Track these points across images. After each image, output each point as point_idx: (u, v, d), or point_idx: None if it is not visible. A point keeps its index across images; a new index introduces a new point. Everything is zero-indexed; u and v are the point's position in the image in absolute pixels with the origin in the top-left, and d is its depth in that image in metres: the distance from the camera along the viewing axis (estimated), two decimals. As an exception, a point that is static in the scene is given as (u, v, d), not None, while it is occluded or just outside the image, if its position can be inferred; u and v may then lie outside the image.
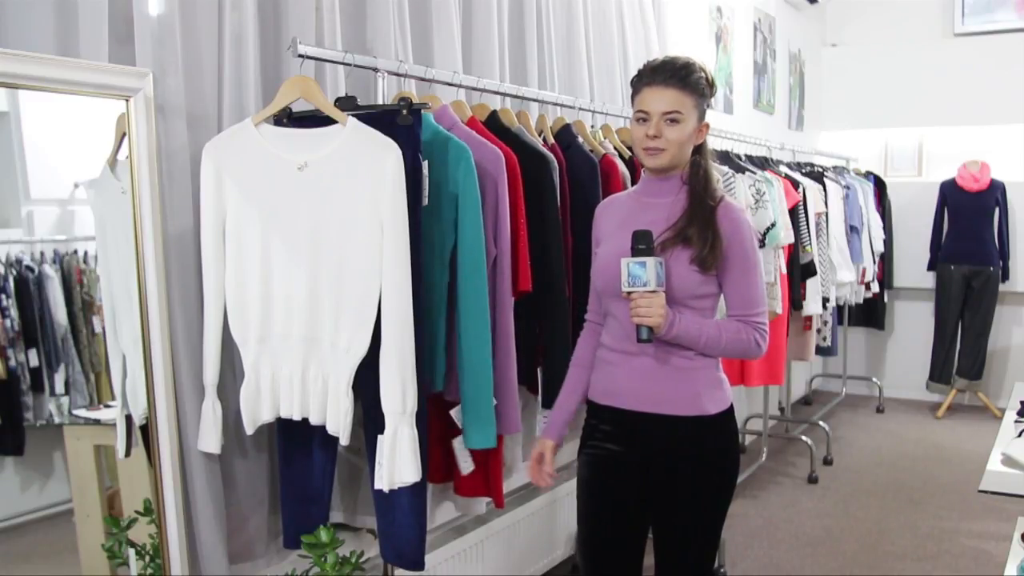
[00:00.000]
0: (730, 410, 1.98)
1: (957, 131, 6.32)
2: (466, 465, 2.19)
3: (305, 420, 1.95)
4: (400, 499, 1.96)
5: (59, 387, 1.84)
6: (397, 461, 1.85)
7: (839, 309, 5.68)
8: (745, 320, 1.92)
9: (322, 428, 1.94)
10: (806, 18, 6.39)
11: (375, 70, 2.13)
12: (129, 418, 1.92)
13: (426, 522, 2.04)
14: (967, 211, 5.92)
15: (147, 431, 1.90)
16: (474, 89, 2.46)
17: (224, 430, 1.97)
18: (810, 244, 4.16)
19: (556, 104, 2.80)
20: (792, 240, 3.94)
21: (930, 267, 6.13)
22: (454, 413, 2.17)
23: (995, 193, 5.88)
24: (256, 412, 1.95)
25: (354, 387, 1.90)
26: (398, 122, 1.92)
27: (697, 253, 1.86)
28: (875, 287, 5.63)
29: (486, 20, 2.83)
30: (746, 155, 4.13)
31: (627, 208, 2.01)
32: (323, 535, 1.95)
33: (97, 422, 1.92)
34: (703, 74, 1.91)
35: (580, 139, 2.67)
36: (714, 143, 3.86)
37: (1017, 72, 5.97)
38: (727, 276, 1.91)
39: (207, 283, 1.93)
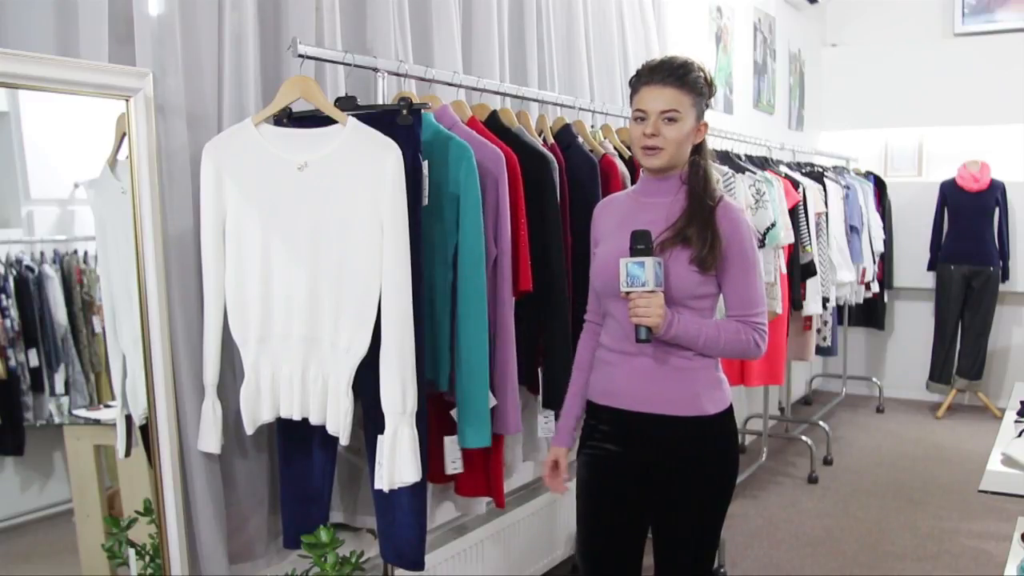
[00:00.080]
0: (729, 410, 1.98)
1: (957, 131, 6.32)
2: (454, 465, 2.19)
3: (305, 420, 1.95)
4: (400, 499, 1.96)
5: (59, 387, 1.84)
6: (397, 461, 1.85)
7: (839, 309, 5.68)
8: (744, 320, 1.92)
9: (322, 428, 1.94)
10: (806, 18, 6.39)
11: (375, 70, 2.13)
12: (129, 418, 1.92)
13: (426, 522, 2.04)
14: (967, 211, 5.92)
15: (147, 431, 1.90)
16: (474, 89, 2.46)
17: (224, 430, 1.97)
18: (810, 244, 4.16)
19: (556, 104, 2.80)
20: (792, 240, 3.94)
21: (930, 267, 6.13)
22: (455, 414, 2.17)
23: (995, 193, 5.88)
24: (256, 412, 1.95)
25: (354, 387, 1.90)
26: (398, 122, 1.92)
27: (696, 253, 1.86)
28: (875, 287, 5.63)
29: (486, 20, 2.83)
30: (746, 155, 4.13)
31: (626, 208, 2.01)
32: (323, 535, 1.96)
33: (97, 422, 1.92)
34: (701, 74, 1.91)
35: (580, 139, 2.67)
36: (714, 143, 3.86)
37: (1017, 72, 5.98)
38: (726, 276, 1.91)
39: (207, 283, 1.93)
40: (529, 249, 2.30)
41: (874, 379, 6.43)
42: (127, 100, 1.82)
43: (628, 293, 1.84)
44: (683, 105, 1.87)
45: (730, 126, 4.40)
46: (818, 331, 4.74)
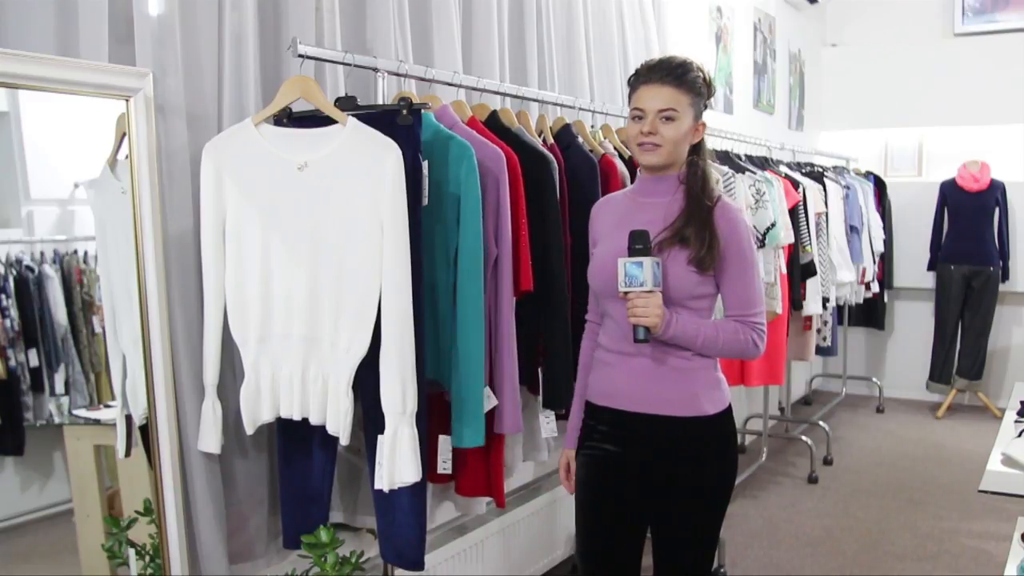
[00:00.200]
0: (728, 410, 1.98)
1: (957, 131, 6.32)
2: (444, 465, 2.19)
3: (305, 420, 1.95)
4: (400, 499, 1.96)
5: (59, 387, 1.84)
6: (397, 461, 1.85)
7: (839, 309, 5.68)
8: (743, 320, 1.92)
9: (322, 428, 1.94)
10: (806, 18, 6.39)
11: (375, 70, 2.13)
12: (129, 418, 1.92)
13: (426, 522, 2.04)
14: (967, 211, 5.92)
15: (147, 431, 1.90)
16: (474, 89, 2.46)
17: (224, 430, 1.97)
18: (810, 244, 4.16)
19: (556, 104, 2.80)
20: (792, 240, 3.94)
21: (930, 267, 6.13)
22: (455, 414, 2.17)
23: (995, 193, 5.88)
24: (256, 412, 1.95)
25: (354, 387, 1.90)
26: (398, 122, 1.92)
27: (694, 253, 1.86)
28: (875, 287, 5.63)
29: (486, 20, 2.83)
30: (746, 155, 4.13)
31: (623, 208, 2.01)
32: (323, 535, 1.96)
33: (97, 422, 1.92)
34: (700, 74, 1.91)
35: (580, 139, 2.67)
36: (714, 143, 3.86)
37: (1017, 72, 5.98)
38: (724, 276, 1.91)
39: (207, 283, 1.93)
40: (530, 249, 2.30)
41: (874, 379, 6.43)
42: (127, 100, 1.82)
43: (626, 293, 1.84)
44: (681, 104, 1.87)
45: (730, 126, 4.40)
46: (818, 331, 4.74)
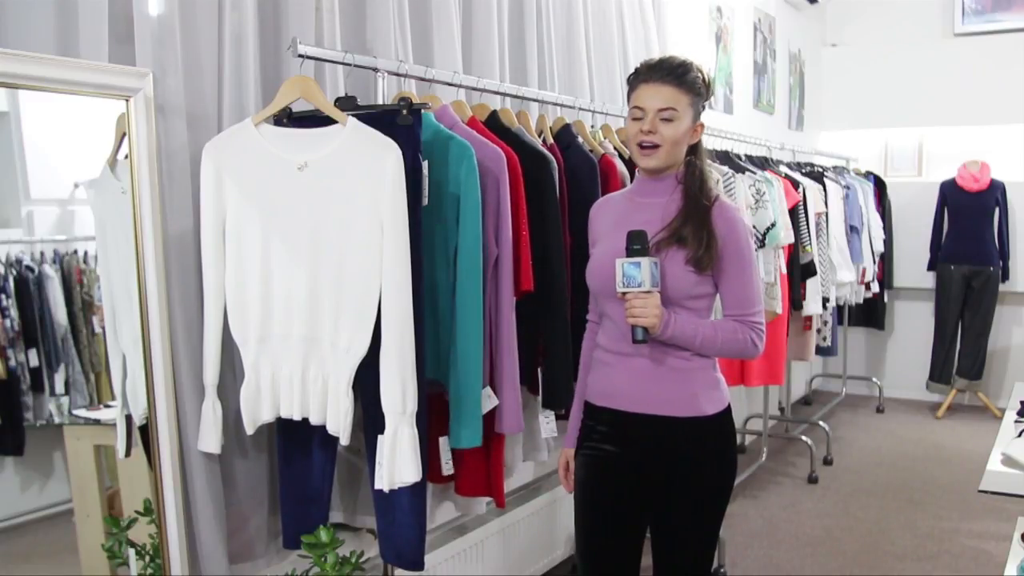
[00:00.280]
0: (727, 410, 1.98)
1: (957, 131, 6.32)
2: (447, 466, 2.19)
3: (305, 420, 1.95)
4: (400, 499, 1.96)
5: (59, 387, 1.84)
6: (397, 461, 1.86)
7: (839, 309, 5.68)
8: (741, 320, 1.92)
9: (322, 428, 1.94)
10: (806, 18, 6.39)
11: (375, 70, 2.13)
12: (129, 418, 1.92)
13: (426, 522, 2.04)
14: (967, 211, 5.92)
15: (147, 431, 1.90)
16: (474, 89, 2.46)
17: (224, 430, 1.97)
18: (810, 244, 4.16)
19: (556, 104, 2.80)
20: (792, 240, 3.94)
21: (930, 267, 6.13)
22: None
23: (995, 193, 5.88)
24: (256, 412, 1.95)
25: (354, 387, 1.90)
26: (398, 122, 1.92)
27: (692, 253, 1.86)
28: (875, 287, 5.63)
29: (486, 20, 2.83)
30: (746, 155, 4.13)
31: (622, 208, 2.01)
32: (323, 535, 1.96)
33: (97, 422, 1.92)
34: (700, 74, 1.91)
35: (580, 139, 2.67)
36: (714, 143, 3.86)
37: (1017, 72, 5.98)
38: (723, 276, 1.91)
39: (207, 283, 1.93)
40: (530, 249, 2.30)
41: (874, 379, 6.43)
42: (127, 100, 1.82)
43: (624, 294, 1.84)
44: (680, 104, 1.87)
45: (730, 126, 4.41)
46: (818, 331, 4.74)
